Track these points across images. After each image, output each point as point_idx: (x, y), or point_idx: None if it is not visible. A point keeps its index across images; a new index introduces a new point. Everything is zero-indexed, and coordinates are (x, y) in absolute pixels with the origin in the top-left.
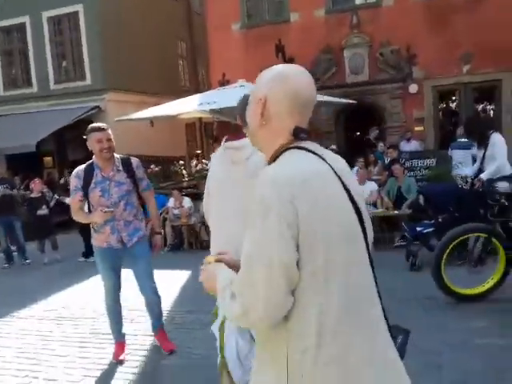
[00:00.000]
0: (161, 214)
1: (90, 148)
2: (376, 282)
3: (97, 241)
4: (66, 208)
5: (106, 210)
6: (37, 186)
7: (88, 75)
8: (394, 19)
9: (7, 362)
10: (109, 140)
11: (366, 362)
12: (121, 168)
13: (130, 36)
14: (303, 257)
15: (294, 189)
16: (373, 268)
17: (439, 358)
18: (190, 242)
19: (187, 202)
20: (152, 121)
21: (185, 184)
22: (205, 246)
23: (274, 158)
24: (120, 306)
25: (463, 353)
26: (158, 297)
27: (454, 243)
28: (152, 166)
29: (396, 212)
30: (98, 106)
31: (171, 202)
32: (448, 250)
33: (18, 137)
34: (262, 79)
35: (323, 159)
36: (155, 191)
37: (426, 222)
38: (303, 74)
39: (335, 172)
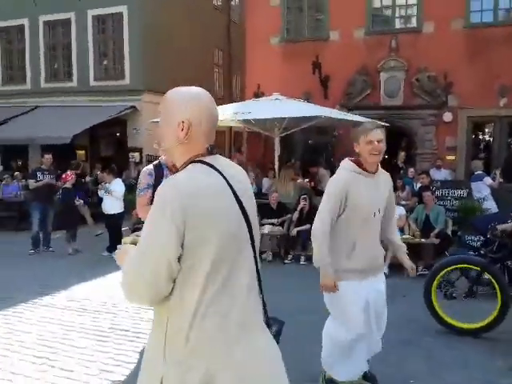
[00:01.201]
0: None
1: None
2: (260, 283)
3: None
4: (96, 203)
5: None
6: (68, 178)
7: (127, 75)
8: (433, 46)
9: (26, 348)
10: None
11: (232, 342)
12: None
13: (170, 40)
14: (185, 253)
15: (187, 198)
16: (258, 270)
17: None
18: None
19: None
20: None
21: None
22: None
23: (182, 169)
24: None
25: None
26: None
27: (442, 273)
28: None
29: (423, 240)
30: (134, 106)
31: None
32: (437, 281)
33: (55, 128)
34: (175, 103)
35: (220, 173)
36: None
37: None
38: (208, 95)
39: (230, 185)
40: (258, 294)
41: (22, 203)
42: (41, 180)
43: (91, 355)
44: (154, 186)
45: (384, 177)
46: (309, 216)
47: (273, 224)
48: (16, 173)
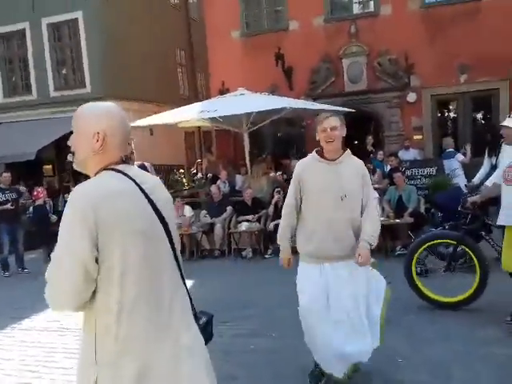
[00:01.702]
0: None
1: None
2: (183, 279)
3: None
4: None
5: None
6: (40, 195)
7: (88, 83)
8: (392, 28)
9: (8, 376)
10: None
11: (159, 340)
12: None
13: (130, 44)
14: (102, 255)
15: (97, 201)
16: (180, 266)
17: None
18: (191, 250)
19: (188, 211)
20: (151, 129)
21: (185, 193)
22: (206, 255)
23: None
24: None
25: (470, 362)
26: None
27: (422, 249)
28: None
29: (398, 221)
30: None
31: None
32: (416, 256)
33: (19, 145)
34: (89, 116)
35: (132, 179)
36: None
37: (432, 229)
38: (120, 109)
39: (142, 189)
40: (182, 289)
41: None
42: (4, 200)
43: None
44: None
45: (353, 163)
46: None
47: (249, 220)
48: None
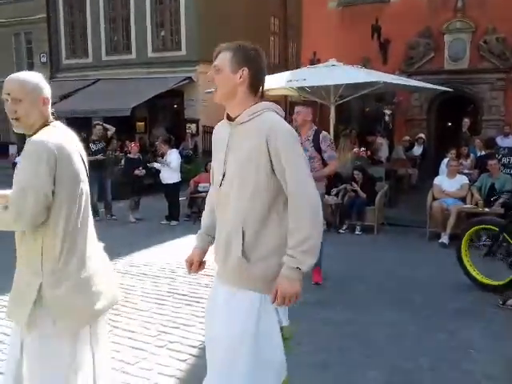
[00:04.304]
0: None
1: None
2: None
3: None
4: (153, 173)
5: None
6: (134, 149)
7: (183, 46)
8: (503, 5)
9: None
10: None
11: (92, 252)
12: (310, 138)
13: (226, 9)
14: (56, 189)
15: (55, 147)
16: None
17: None
18: None
19: None
20: None
21: None
22: None
23: (36, 131)
24: None
25: None
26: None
27: (470, 232)
28: None
29: (487, 209)
30: (190, 77)
31: None
32: (465, 239)
33: (116, 100)
34: (38, 85)
35: (67, 133)
36: None
37: None
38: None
39: (74, 140)
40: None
41: None
42: (95, 150)
43: (151, 317)
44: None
45: (260, 126)
46: (364, 186)
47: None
48: None
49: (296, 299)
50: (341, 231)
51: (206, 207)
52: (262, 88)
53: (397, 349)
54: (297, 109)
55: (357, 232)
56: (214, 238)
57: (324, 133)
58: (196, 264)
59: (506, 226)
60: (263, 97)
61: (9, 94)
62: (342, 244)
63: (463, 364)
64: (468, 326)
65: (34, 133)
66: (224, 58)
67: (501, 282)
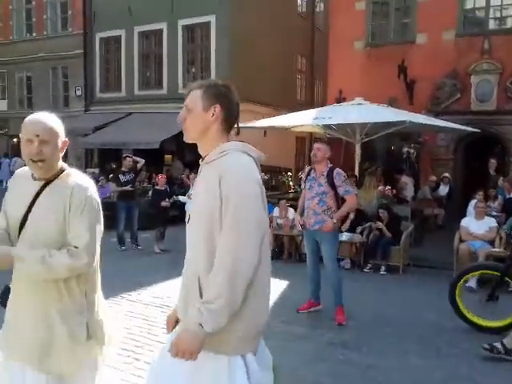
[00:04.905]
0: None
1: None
2: None
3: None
4: (179, 205)
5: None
6: (161, 180)
7: None
8: None
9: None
10: (318, 149)
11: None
12: (325, 174)
13: (255, 48)
14: None
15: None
16: None
17: None
18: (289, 252)
19: (292, 213)
20: (266, 131)
21: (291, 195)
22: (303, 259)
23: (56, 176)
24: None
25: None
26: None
27: (466, 277)
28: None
29: None
30: None
31: (276, 212)
32: (461, 282)
33: (146, 134)
34: (52, 128)
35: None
36: None
37: None
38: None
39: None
40: None
41: (113, 203)
42: (124, 181)
43: None
44: (304, 181)
45: (218, 166)
46: (389, 225)
47: (352, 232)
48: (110, 175)
49: (190, 358)
50: (365, 270)
51: None
52: (237, 124)
53: None
54: (316, 145)
55: (381, 272)
56: None
57: (338, 169)
58: (174, 324)
59: (507, 271)
60: (239, 134)
61: (38, 136)
62: (366, 283)
63: None
64: (495, 375)
65: (55, 176)
66: (195, 97)
67: (500, 323)
